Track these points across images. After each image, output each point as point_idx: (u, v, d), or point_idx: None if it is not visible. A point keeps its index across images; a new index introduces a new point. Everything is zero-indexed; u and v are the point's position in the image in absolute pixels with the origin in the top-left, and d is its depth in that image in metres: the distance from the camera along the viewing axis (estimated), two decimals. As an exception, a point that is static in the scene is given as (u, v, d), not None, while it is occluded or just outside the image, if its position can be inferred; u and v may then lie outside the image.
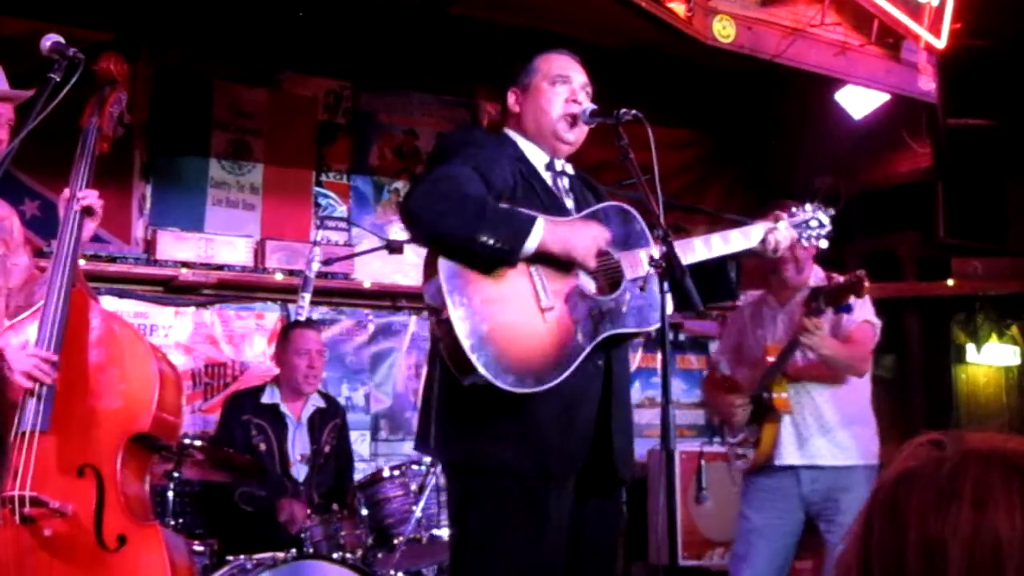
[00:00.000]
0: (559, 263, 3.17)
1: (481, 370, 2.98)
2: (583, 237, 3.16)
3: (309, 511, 5.05)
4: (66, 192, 3.50)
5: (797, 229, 3.68)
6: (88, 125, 3.58)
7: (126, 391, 3.31)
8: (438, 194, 3.12)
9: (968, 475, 1.18)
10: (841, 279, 4.51)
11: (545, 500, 3.11)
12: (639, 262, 3.28)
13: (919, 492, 1.20)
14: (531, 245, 3.08)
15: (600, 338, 3.18)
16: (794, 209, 3.72)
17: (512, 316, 3.08)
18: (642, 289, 3.28)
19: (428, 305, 3.15)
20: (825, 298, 4.42)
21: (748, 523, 4.77)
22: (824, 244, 3.79)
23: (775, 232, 3.56)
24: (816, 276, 4.81)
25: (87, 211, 3.46)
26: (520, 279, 3.12)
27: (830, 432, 4.63)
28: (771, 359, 4.61)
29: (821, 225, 3.76)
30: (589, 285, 3.26)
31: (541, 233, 3.08)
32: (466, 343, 2.98)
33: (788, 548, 4.74)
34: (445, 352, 3.08)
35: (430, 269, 3.11)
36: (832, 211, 3.81)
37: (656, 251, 3.21)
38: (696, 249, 3.40)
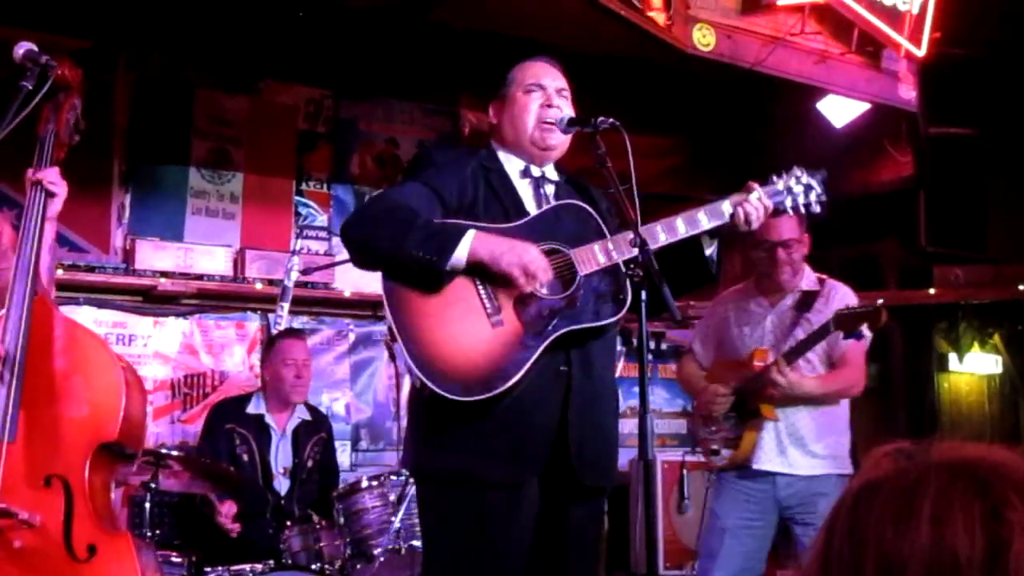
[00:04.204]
0: None
1: (428, 382, 2.99)
2: (515, 250, 3.07)
3: (288, 523, 5.02)
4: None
5: (778, 197, 3.52)
6: (45, 133, 3.53)
7: (92, 399, 3.27)
8: (370, 212, 3.24)
9: (929, 489, 1.13)
10: (852, 302, 4.46)
11: (499, 506, 3.10)
12: (593, 256, 3.22)
13: (879, 506, 1.15)
14: (460, 255, 3.05)
15: (552, 338, 3.12)
16: (774, 178, 3.55)
17: (457, 325, 3.08)
18: (608, 274, 3.22)
19: (387, 323, 3.17)
20: (837, 322, 4.29)
21: (719, 521, 4.67)
22: (818, 210, 3.57)
23: (746, 204, 3.42)
24: (808, 279, 4.72)
25: (48, 194, 3.40)
26: (464, 286, 3.11)
27: (808, 443, 4.56)
28: (759, 364, 4.52)
29: (810, 188, 3.56)
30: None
31: (469, 244, 3.06)
32: (412, 357, 3.01)
33: (761, 549, 4.66)
34: (402, 366, 3.11)
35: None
36: (824, 172, 3.58)
37: (612, 244, 3.20)
38: (658, 236, 3.29)
